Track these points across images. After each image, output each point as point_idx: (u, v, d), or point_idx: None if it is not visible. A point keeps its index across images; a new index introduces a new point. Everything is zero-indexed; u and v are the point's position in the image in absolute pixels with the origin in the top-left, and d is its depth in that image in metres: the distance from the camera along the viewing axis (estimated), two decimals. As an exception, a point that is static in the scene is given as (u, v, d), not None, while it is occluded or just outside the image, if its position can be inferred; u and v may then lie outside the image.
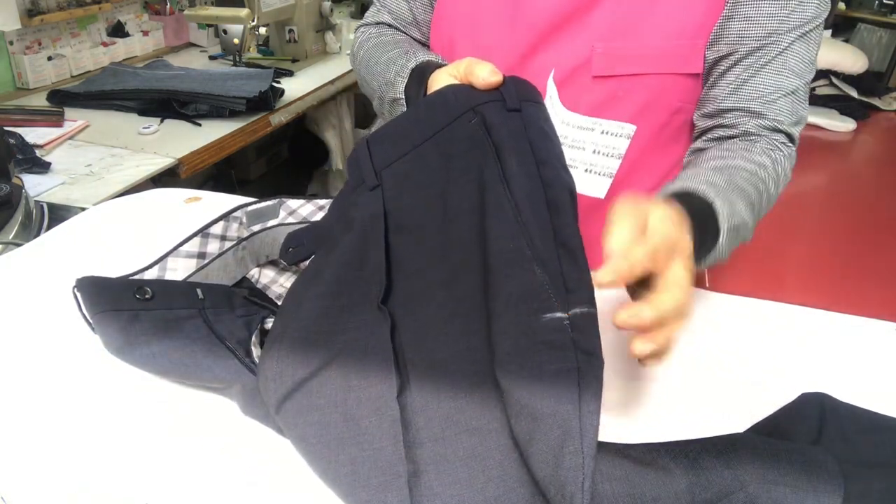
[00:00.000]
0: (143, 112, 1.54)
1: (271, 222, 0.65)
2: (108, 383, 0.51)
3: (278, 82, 1.79)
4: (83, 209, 0.93)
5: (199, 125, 1.51)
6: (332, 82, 1.97)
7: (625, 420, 0.50)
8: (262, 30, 2.13)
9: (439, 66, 0.61)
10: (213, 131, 1.48)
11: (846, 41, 2.15)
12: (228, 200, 0.81)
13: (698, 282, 0.94)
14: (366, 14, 0.84)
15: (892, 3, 2.27)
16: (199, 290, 0.55)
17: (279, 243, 0.61)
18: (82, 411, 0.49)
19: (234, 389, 0.50)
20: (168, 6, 2.13)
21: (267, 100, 1.63)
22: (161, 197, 0.84)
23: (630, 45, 0.65)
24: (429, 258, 0.47)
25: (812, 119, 1.61)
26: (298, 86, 1.87)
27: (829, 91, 1.71)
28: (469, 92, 0.50)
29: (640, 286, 0.44)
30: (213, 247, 0.61)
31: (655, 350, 0.41)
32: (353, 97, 2.27)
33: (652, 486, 0.37)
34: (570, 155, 0.71)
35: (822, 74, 1.70)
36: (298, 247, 0.55)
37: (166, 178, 1.32)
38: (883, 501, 0.39)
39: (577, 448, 0.35)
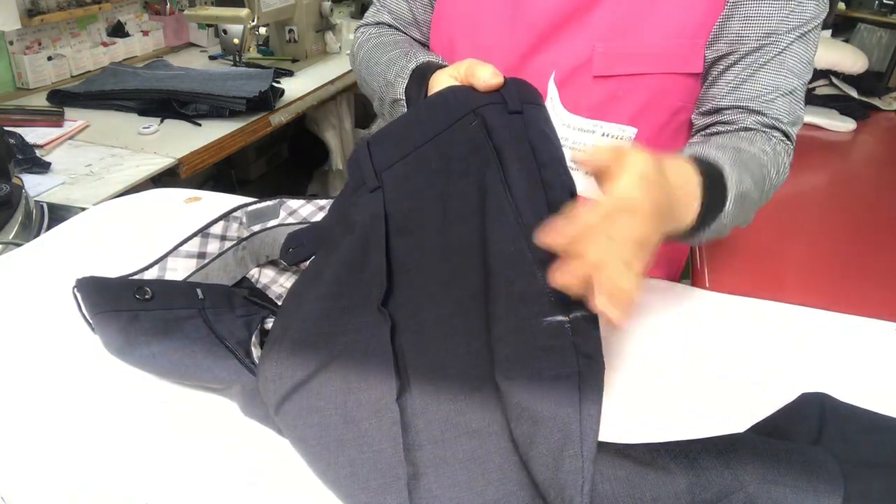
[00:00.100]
0: (143, 112, 1.54)
1: (271, 222, 0.65)
2: (108, 383, 0.51)
3: (278, 82, 1.79)
4: (83, 209, 0.93)
5: (199, 125, 1.51)
6: (332, 82, 1.97)
7: (625, 420, 0.50)
8: (262, 30, 2.13)
9: (440, 66, 0.60)
10: (213, 131, 1.48)
11: (846, 41, 2.15)
12: (228, 200, 0.81)
13: (698, 282, 0.94)
14: (365, 14, 0.83)
15: (892, 3, 2.27)
16: (199, 290, 0.55)
17: (279, 243, 0.61)
18: (82, 411, 0.49)
19: (234, 390, 0.50)
20: (168, 6, 2.13)
21: (267, 100, 1.63)
22: (161, 197, 0.84)
23: (630, 45, 0.65)
24: (429, 260, 0.47)
25: (812, 119, 1.61)
26: (298, 86, 1.87)
27: (828, 91, 1.71)
28: (470, 93, 0.49)
29: None
30: (213, 247, 0.61)
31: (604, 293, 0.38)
32: (353, 97, 2.27)
33: (652, 486, 0.37)
34: (570, 157, 0.71)
35: (822, 74, 1.69)
36: (299, 247, 0.55)
37: (166, 178, 1.32)
38: (883, 501, 0.39)
39: (576, 451, 0.35)
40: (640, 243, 0.42)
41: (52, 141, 1.36)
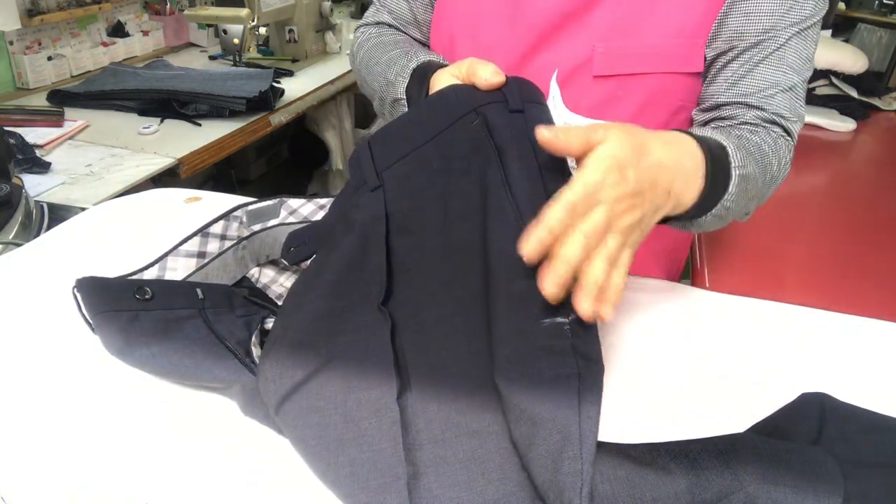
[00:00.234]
0: (143, 112, 1.54)
1: (272, 222, 0.65)
2: (108, 383, 0.51)
3: (278, 82, 1.79)
4: (83, 209, 0.93)
5: (199, 125, 1.51)
6: (332, 82, 1.97)
7: (625, 420, 0.50)
8: (262, 30, 2.13)
9: (441, 66, 0.60)
10: (213, 131, 1.48)
11: (846, 41, 2.15)
12: (228, 200, 0.81)
13: (698, 282, 0.94)
14: (365, 14, 0.83)
15: (892, 3, 2.27)
16: (198, 290, 0.55)
17: (279, 243, 0.61)
18: (82, 411, 0.49)
19: (234, 390, 0.50)
20: (168, 6, 2.13)
21: (267, 100, 1.63)
22: (161, 197, 0.84)
23: (631, 45, 0.65)
24: (430, 260, 0.47)
25: (812, 119, 1.61)
26: (298, 86, 1.87)
27: (828, 91, 1.71)
28: (471, 92, 0.49)
29: None
30: (213, 246, 0.61)
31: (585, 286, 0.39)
32: (353, 97, 2.27)
33: (652, 486, 0.37)
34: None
35: (822, 74, 1.69)
36: (300, 246, 0.55)
37: (166, 178, 1.32)
38: (883, 501, 0.39)
39: (576, 453, 0.35)
40: (623, 230, 0.42)
41: (52, 141, 1.36)
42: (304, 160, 2.44)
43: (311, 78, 1.97)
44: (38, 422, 0.48)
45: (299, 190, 2.49)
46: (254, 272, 0.66)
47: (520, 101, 0.48)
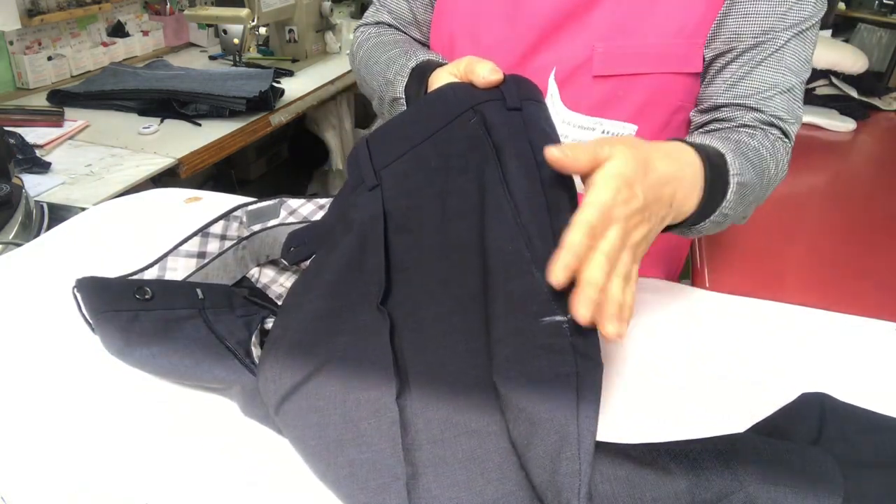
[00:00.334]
0: (143, 112, 1.54)
1: (272, 222, 0.65)
2: (108, 383, 0.51)
3: (278, 82, 1.79)
4: (83, 209, 0.93)
5: (199, 125, 1.51)
6: (332, 82, 1.97)
7: (625, 420, 0.50)
8: (262, 30, 2.13)
9: (440, 65, 0.60)
10: (213, 131, 1.48)
11: (846, 41, 2.15)
12: (228, 200, 0.81)
13: (698, 282, 0.94)
14: (365, 14, 0.83)
15: (892, 3, 2.27)
16: (199, 290, 0.55)
17: (279, 243, 0.61)
18: (82, 411, 0.49)
19: (234, 390, 0.50)
20: (168, 6, 2.13)
21: (267, 100, 1.63)
22: (161, 197, 0.84)
23: (630, 45, 0.65)
24: (428, 259, 0.47)
25: (812, 119, 1.61)
26: (298, 86, 1.87)
27: (828, 91, 1.71)
28: (469, 90, 0.49)
29: None
30: (213, 246, 0.61)
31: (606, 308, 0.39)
32: (353, 97, 2.27)
33: (652, 486, 0.37)
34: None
35: (822, 74, 1.69)
36: (300, 246, 0.55)
37: (166, 178, 1.32)
38: (883, 501, 0.39)
39: (573, 454, 0.35)
40: (634, 246, 0.43)
41: (52, 141, 1.36)
42: (304, 160, 2.44)
43: (311, 78, 1.97)
44: (38, 422, 0.48)
45: (299, 190, 2.49)
46: (254, 272, 0.66)
47: (518, 99, 0.48)
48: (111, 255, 0.69)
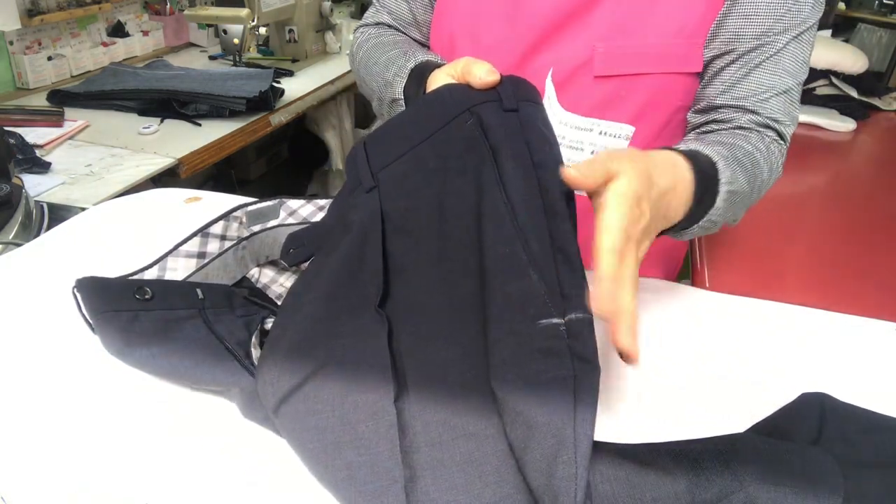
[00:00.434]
0: (143, 112, 1.55)
1: (272, 222, 0.65)
2: (108, 383, 0.51)
3: (278, 82, 1.79)
4: (83, 209, 0.93)
5: (199, 125, 1.51)
6: (332, 82, 1.97)
7: (625, 420, 0.50)
8: (262, 30, 2.13)
9: (438, 65, 0.60)
10: (213, 131, 1.48)
11: (846, 41, 2.15)
12: (228, 200, 0.81)
13: (698, 282, 0.94)
14: (365, 15, 0.83)
15: (892, 3, 2.27)
16: (198, 290, 0.55)
17: (279, 244, 0.61)
18: (82, 411, 0.49)
19: (234, 392, 0.50)
20: (168, 6, 2.13)
21: (267, 100, 1.63)
22: (161, 197, 0.84)
23: (631, 45, 0.66)
24: (426, 261, 0.47)
25: (812, 119, 1.61)
26: (298, 86, 1.87)
27: (829, 91, 1.70)
28: (466, 92, 0.49)
29: None
30: (213, 246, 0.61)
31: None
32: (353, 97, 2.27)
33: (652, 486, 0.37)
34: (568, 156, 0.71)
35: (822, 74, 1.69)
36: (299, 248, 0.55)
37: (166, 178, 1.32)
38: (883, 501, 0.39)
39: (570, 457, 0.35)
40: (639, 261, 0.45)
41: (52, 141, 1.36)
42: (304, 160, 2.44)
43: (311, 78, 1.97)
44: (38, 422, 0.48)
45: (299, 190, 2.49)
46: (254, 272, 0.66)
47: (514, 101, 0.47)
48: (111, 255, 0.69)
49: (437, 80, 0.55)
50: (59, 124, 1.44)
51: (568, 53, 0.67)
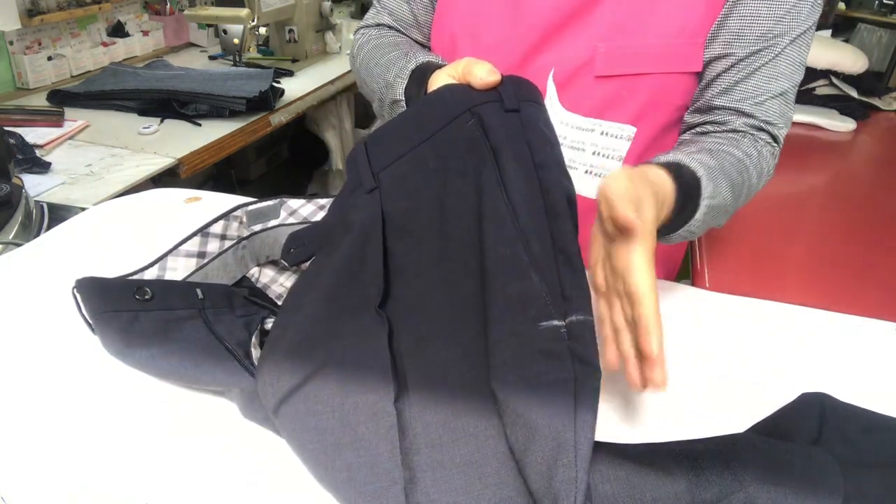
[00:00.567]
0: (143, 112, 1.54)
1: (272, 222, 0.65)
2: (108, 384, 0.51)
3: (278, 82, 1.79)
4: (83, 209, 0.93)
5: (199, 125, 1.51)
6: (332, 82, 1.97)
7: (625, 420, 0.50)
8: (262, 30, 2.13)
9: (439, 66, 0.60)
10: (213, 131, 1.48)
11: (846, 41, 2.15)
12: (228, 200, 0.81)
13: (698, 282, 0.94)
14: (365, 16, 0.83)
15: (892, 3, 2.27)
16: (198, 290, 0.55)
17: (280, 243, 0.61)
18: (82, 411, 0.49)
19: (234, 392, 0.50)
20: (168, 6, 2.13)
21: (267, 100, 1.63)
22: (161, 197, 0.84)
23: (632, 45, 0.66)
24: (427, 262, 0.47)
25: (812, 119, 1.61)
26: (298, 86, 1.87)
27: (829, 91, 1.70)
28: (467, 92, 0.49)
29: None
30: (213, 246, 0.61)
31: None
32: (353, 97, 2.27)
33: (652, 486, 0.37)
34: (569, 156, 0.71)
35: (822, 74, 1.69)
36: (300, 248, 0.55)
37: (166, 178, 1.32)
38: (883, 501, 0.39)
39: (570, 461, 0.35)
40: None
41: (52, 141, 1.36)
42: (304, 160, 2.44)
43: (311, 78, 1.97)
44: (38, 422, 0.48)
45: (299, 190, 2.49)
46: (254, 272, 0.66)
47: (516, 101, 0.47)
48: (111, 255, 0.69)
49: (438, 81, 0.55)
50: (59, 124, 1.44)
51: (569, 53, 0.67)
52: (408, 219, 0.48)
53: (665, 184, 0.52)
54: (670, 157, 0.58)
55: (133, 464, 0.44)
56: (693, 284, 0.89)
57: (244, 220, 0.64)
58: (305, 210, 0.66)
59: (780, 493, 0.36)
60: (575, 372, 0.37)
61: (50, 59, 1.71)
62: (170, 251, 0.59)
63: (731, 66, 0.65)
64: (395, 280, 0.47)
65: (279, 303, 0.62)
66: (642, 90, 0.67)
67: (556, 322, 0.39)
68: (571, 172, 0.51)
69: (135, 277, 0.57)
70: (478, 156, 0.46)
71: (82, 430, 0.47)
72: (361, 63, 0.77)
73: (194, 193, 0.84)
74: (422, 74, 0.62)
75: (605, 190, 0.44)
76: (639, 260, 0.44)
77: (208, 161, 1.43)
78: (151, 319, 0.51)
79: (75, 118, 1.48)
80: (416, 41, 0.80)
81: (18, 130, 1.31)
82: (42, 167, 1.23)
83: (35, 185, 1.16)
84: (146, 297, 0.52)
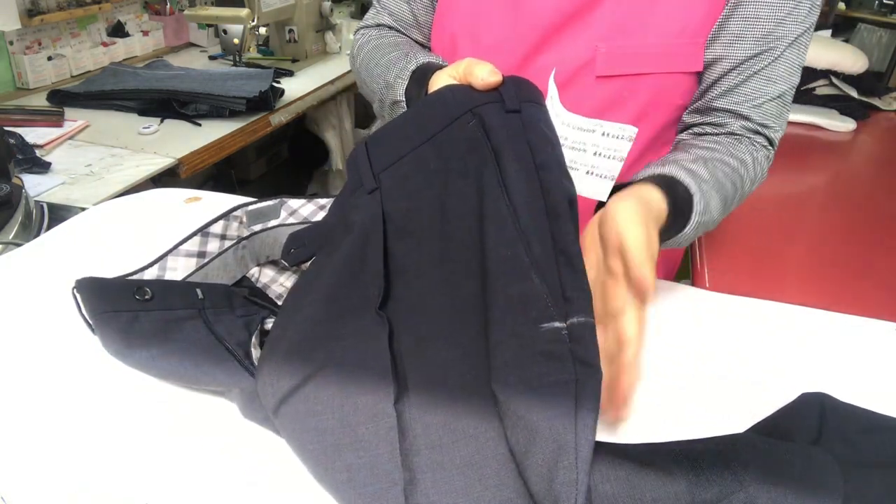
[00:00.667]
0: (143, 112, 1.54)
1: (272, 222, 0.65)
2: (108, 384, 0.51)
3: (278, 82, 1.79)
4: (83, 209, 0.93)
5: (199, 125, 1.51)
6: (332, 82, 1.97)
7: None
8: (262, 30, 2.13)
9: (440, 67, 0.60)
10: (213, 131, 1.48)
11: (846, 41, 2.15)
12: (228, 200, 0.81)
13: (698, 282, 0.94)
14: (365, 16, 0.83)
15: (892, 3, 2.27)
16: (198, 290, 0.55)
17: (280, 243, 0.61)
18: (82, 411, 0.49)
19: (234, 393, 0.50)
20: (168, 6, 2.13)
21: (267, 100, 1.63)
22: (161, 197, 0.84)
23: (633, 45, 0.66)
24: (428, 263, 0.47)
25: (812, 119, 1.61)
26: (298, 86, 1.87)
27: (829, 91, 1.70)
28: (468, 93, 0.49)
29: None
30: (213, 246, 0.61)
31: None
32: (353, 97, 2.27)
33: (652, 486, 0.37)
34: (570, 157, 0.71)
35: (822, 74, 1.69)
36: (300, 248, 0.55)
37: (166, 178, 1.32)
38: (883, 501, 0.39)
39: (571, 463, 0.35)
40: None
41: (52, 141, 1.36)
42: (304, 160, 2.44)
43: (311, 78, 1.97)
44: (38, 422, 0.48)
45: (299, 190, 2.49)
46: (254, 272, 0.66)
47: (517, 101, 0.47)
48: (111, 255, 0.69)
49: (439, 82, 0.55)
50: (59, 124, 1.44)
51: (570, 54, 0.67)
52: (409, 219, 0.48)
53: (661, 207, 0.54)
54: (666, 169, 0.59)
55: (133, 464, 0.44)
56: (693, 284, 0.89)
57: (244, 220, 0.64)
58: (306, 210, 0.66)
59: (780, 493, 0.36)
60: (576, 374, 0.37)
61: (50, 59, 1.71)
62: (170, 251, 0.59)
63: (731, 69, 0.65)
64: (395, 281, 0.47)
65: (279, 303, 0.62)
66: (643, 90, 0.68)
67: (557, 324, 0.39)
68: (572, 173, 0.51)
69: (135, 277, 0.57)
70: (479, 157, 0.46)
71: (82, 430, 0.47)
72: (361, 63, 0.77)
73: (194, 193, 0.84)
74: (422, 75, 0.62)
75: (624, 242, 0.47)
76: (633, 311, 0.47)
77: (208, 161, 1.43)
78: (151, 319, 0.51)
79: (75, 118, 1.48)
80: (417, 41, 0.79)
81: (18, 130, 1.31)
82: (42, 167, 1.23)
83: (35, 185, 1.16)
84: (146, 297, 0.52)
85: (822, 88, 1.71)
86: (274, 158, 2.55)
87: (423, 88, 0.61)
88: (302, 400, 0.43)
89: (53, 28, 1.75)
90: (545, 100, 0.51)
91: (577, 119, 0.69)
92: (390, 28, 0.80)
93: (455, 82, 0.52)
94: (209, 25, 2.12)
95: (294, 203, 0.66)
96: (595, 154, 0.72)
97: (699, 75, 0.68)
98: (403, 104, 0.65)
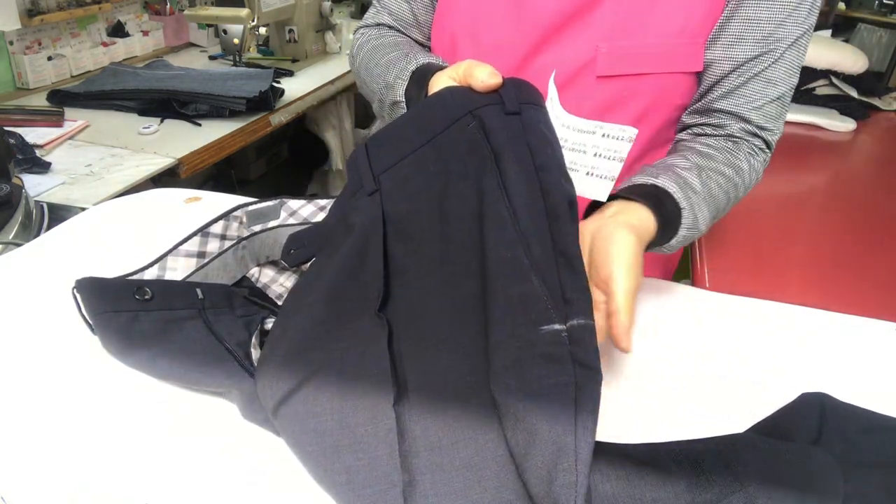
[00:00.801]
0: (143, 112, 1.54)
1: (272, 223, 0.65)
2: (108, 384, 0.51)
3: (278, 82, 1.79)
4: (83, 209, 0.93)
5: (199, 125, 1.51)
6: (332, 82, 1.97)
7: (625, 420, 0.50)
8: (262, 30, 2.13)
9: (440, 68, 0.60)
10: (213, 131, 1.48)
11: (846, 41, 2.15)
12: (228, 200, 0.81)
13: (698, 282, 0.94)
14: (365, 15, 0.83)
15: (892, 3, 2.27)
16: (198, 290, 0.55)
17: (280, 244, 0.61)
18: (82, 411, 0.49)
19: (234, 394, 0.50)
20: (168, 6, 2.13)
21: (267, 100, 1.63)
22: (161, 197, 0.84)
23: (633, 45, 0.66)
24: (427, 264, 0.47)
25: (812, 119, 1.61)
26: (298, 86, 1.87)
27: (829, 91, 1.70)
28: (468, 94, 0.49)
29: None
30: (213, 246, 0.61)
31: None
32: (353, 97, 2.27)
33: (652, 486, 0.37)
34: (570, 158, 0.71)
35: (822, 74, 1.69)
36: (300, 249, 0.55)
37: (166, 178, 1.32)
38: (883, 501, 0.39)
39: (570, 465, 0.35)
40: None
41: (52, 141, 1.36)
42: (304, 160, 2.44)
43: (311, 78, 1.97)
44: (38, 422, 0.48)
45: (299, 190, 2.49)
46: (254, 272, 0.66)
47: (517, 103, 0.47)
48: (111, 255, 0.69)
49: (438, 83, 0.55)
50: (59, 124, 1.44)
51: (570, 54, 0.67)
52: (408, 221, 0.48)
53: (650, 228, 0.55)
54: (660, 181, 0.59)
55: (133, 464, 0.44)
56: (693, 284, 0.89)
57: (244, 220, 0.64)
58: (306, 211, 0.66)
59: (780, 493, 0.36)
60: (576, 376, 0.37)
61: (50, 59, 1.71)
62: (170, 251, 0.59)
63: (731, 70, 0.65)
64: (395, 282, 0.47)
65: (279, 303, 0.62)
66: (644, 90, 0.68)
67: (557, 326, 0.39)
68: (572, 174, 0.51)
69: (135, 277, 0.57)
70: (479, 158, 0.46)
71: (82, 430, 0.47)
72: (361, 63, 0.77)
73: (194, 193, 0.84)
74: (422, 76, 0.62)
75: (613, 289, 0.49)
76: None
77: (208, 161, 1.43)
78: (151, 319, 0.51)
79: (75, 118, 1.48)
80: (416, 41, 0.79)
81: (18, 130, 1.31)
82: (42, 167, 1.23)
83: (35, 185, 1.16)
84: (146, 297, 0.52)
85: (822, 88, 1.70)
86: (274, 158, 2.55)
87: (422, 89, 0.61)
88: (301, 401, 0.43)
89: (53, 28, 1.75)
90: (545, 101, 0.51)
91: (576, 121, 0.69)
92: (390, 27, 0.80)
93: (455, 84, 0.52)
94: (209, 25, 2.12)
95: (294, 204, 0.66)
96: (595, 155, 0.72)
97: (699, 75, 0.68)
98: (403, 105, 0.65)
